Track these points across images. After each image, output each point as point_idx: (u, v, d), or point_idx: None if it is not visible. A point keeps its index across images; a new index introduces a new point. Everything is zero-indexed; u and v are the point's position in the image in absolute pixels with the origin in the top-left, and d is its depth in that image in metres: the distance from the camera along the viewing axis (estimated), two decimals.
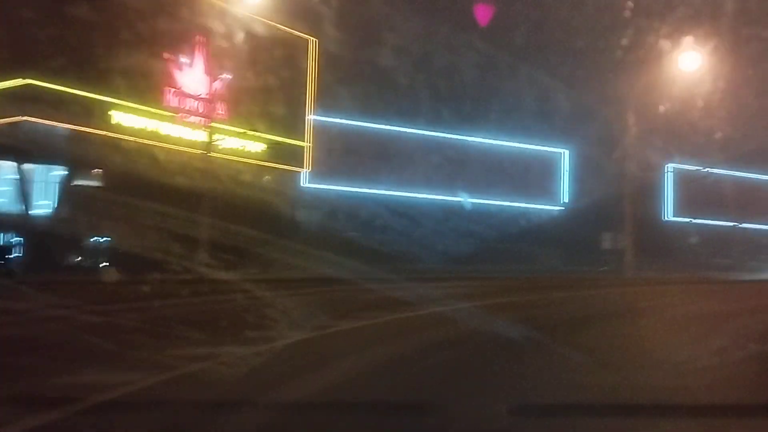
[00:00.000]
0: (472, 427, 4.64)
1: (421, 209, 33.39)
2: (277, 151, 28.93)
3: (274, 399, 5.28)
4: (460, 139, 36.69)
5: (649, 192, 39.39)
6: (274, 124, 27.70)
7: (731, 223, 41.97)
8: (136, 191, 19.89)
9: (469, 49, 34.32)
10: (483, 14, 33.07)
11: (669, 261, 35.95)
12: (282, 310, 10.53)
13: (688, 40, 27.14)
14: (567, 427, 4.83)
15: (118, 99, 23.87)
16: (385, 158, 34.57)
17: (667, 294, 19.07)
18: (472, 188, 34.87)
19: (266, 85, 26.60)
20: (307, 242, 22.85)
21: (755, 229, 42.68)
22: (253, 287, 13.37)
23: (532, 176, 39.07)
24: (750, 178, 43.43)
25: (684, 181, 41.19)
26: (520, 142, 38.26)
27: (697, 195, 40.50)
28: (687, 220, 41.17)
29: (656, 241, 36.84)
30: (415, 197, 34.74)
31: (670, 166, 41.27)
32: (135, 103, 24.43)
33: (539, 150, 39.56)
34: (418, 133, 35.65)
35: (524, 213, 37.90)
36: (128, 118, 24.50)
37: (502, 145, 37.91)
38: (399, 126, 34.87)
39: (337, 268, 17.23)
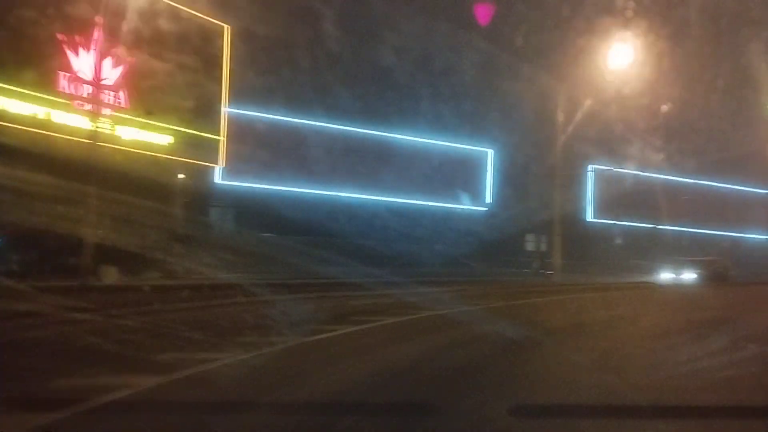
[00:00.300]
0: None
1: (344, 208, 31.94)
2: (187, 145, 26.74)
3: None
4: (383, 136, 35.57)
5: (572, 193, 39.35)
6: (183, 115, 25.57)
7: (650, 225, 42.48)
8: (21, 186, 17.58)
9: (393, 44, 33.18)
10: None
11: (591, 263, 35.86)
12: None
13: (615, 39, 26.84)
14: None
15: (3, 83, 21.29)
16: (305, 154, 33.24)
17: (615, 302, 17.95)
18: (394, 187, 33.82)
19: (174, 73, 24.47)
20: (218, 244, 21.01)
21: (675, 231, 43.43)
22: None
23: (457, 176, 38.33)
24: (670, 180, 44.14)
25: (604, 182, 41.43)
26: (444, 141, 37.49)
27: (617, 196, 40.76)
28: (608, 221, 41.39)
29: (579, 242, 36.69)
30: (337, 195, 33.42)
31: (591, 167, 41.40)
32: (23, 88, 21.85)
33: (464, 149, 38.86)
34: (340, 129, 34.59)
35: (448, 213, 37.07)
36: (15, 105, 21.91)
37: (425, 143, 37.04)
38: (320, 121, 33.61)
39: (244, 272, 15.55)
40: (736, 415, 5.37)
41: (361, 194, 34.42)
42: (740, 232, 46.23)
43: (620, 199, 41.01)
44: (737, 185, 47.10)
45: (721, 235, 45.06)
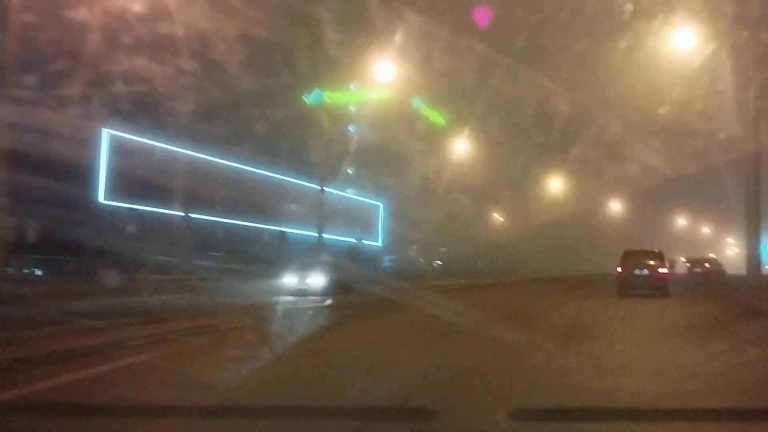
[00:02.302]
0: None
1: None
2: None
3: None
4: None
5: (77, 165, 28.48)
6: None
7: (180, 213, 34.00)
8: None
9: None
10: None
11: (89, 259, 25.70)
12: None
13: None
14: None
15: None
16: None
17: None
18: None
19: None
20: None
21: (207, 221, 35.51)
22: None
23: None
24: (205, 159, 36.20)
25: (124, 154, 31.47)
26: None
27: (140, 173, 31.34)
28: (127, 205, 31.20)
29: (83, 232, 26.13)
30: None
31: (106, 132, 30.82)
32: None
33: None
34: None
35: None
36: None
37: None
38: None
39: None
40: None
41: None
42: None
43: (144, 177, 31.73)
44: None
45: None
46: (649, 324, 13.77)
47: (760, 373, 7.61)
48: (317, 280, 21.28)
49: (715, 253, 74.42)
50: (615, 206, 71.15)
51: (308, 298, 19.52)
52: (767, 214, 39.21)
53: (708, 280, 35.24)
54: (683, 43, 25.08)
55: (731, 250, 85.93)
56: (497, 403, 5.64)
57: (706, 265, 41.20)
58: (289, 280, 21.55)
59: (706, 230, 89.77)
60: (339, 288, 21.33)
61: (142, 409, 5.50)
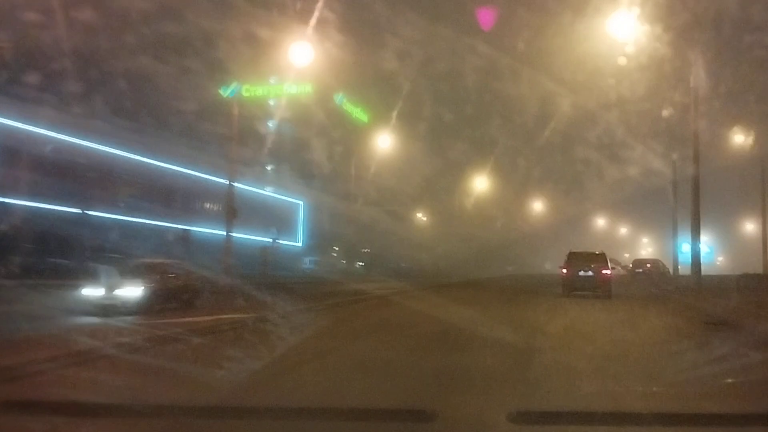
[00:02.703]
0: None
1: None
2: None
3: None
4: None
5: None
6: None
7: (78, 210, 31.06)
8: None
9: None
10: None
11: None
12: None
13: None
14: None
15: None
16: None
17: None
18: None
19: None
20: None
21: (108, 219, 32.57)
22: None
23: None
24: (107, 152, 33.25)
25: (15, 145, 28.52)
26: None
27: (30, 166, 28.49)
28: (12, 201, 28.12)
29: None
30: None
31: None
32: None
33: None
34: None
35: None
36: None
37: None
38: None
39: None
40: None
41: None
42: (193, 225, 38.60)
43: (36, 171, 28.90)
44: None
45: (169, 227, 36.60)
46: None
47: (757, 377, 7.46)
48: (131, 291, 15.03)
49: (630, 253, 76.32)
50: (537, 206, 71.47)
51: (114, 318, 13.58)
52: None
53: (653, 280, 36.25)
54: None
55: (645, 250, 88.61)
56: None
57: (648, 265, 42.45)
58: (92, 291, 14.92)
59: (623, 230, 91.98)
60: (169, 300, 15.89)
61: None
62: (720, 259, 74.03)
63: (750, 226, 78.09)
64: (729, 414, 5.59)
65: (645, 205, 73.93)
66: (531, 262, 75.53)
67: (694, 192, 25.33)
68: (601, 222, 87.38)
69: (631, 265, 45.08)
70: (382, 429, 5.38)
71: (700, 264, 25.99)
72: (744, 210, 71.07)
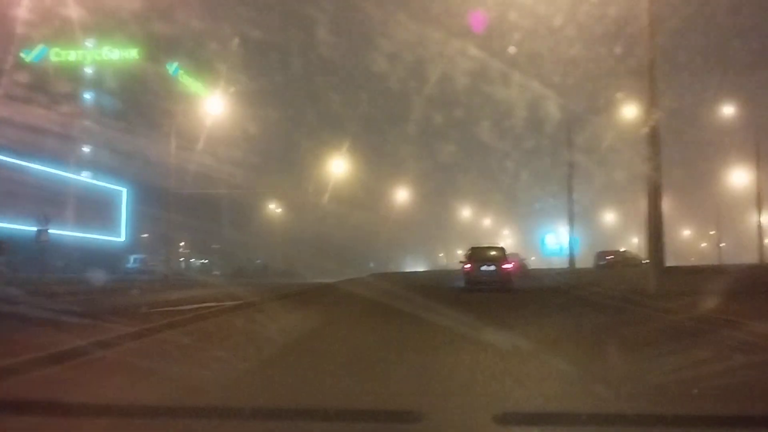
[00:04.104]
0: None
1: None
2: None
3: None
4: None
5: None
6: None
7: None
8: None
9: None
10: None
11: None
12: None
13: None
14: None
15: None
16: None
17: None
18: None
19: None
20: None
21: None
22: None
23: None
24: None
25: None
26: None
27: None
28: None
29: None
30: None
31: None
32: None
33: None
34: None
35: None
36: None
37: None
38: None
39: None
40: None
41: None
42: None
43: None
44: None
45: None
46: None
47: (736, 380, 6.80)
48: None
49: (492, 243, 74.42)
50: (402, 195, 66.96)
51: None
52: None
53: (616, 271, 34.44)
54: None
55: (504, 242, 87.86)
56: None
57: (610, 257, 43.16)
58: None
59: (486, 222, 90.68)
60: None
61: None
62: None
63: (609, 216, 79.62)
64: (713, 416, 5.24)
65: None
66: (396, 256, 71.60)
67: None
68: (465, 213, 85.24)
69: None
70: None
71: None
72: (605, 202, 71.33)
